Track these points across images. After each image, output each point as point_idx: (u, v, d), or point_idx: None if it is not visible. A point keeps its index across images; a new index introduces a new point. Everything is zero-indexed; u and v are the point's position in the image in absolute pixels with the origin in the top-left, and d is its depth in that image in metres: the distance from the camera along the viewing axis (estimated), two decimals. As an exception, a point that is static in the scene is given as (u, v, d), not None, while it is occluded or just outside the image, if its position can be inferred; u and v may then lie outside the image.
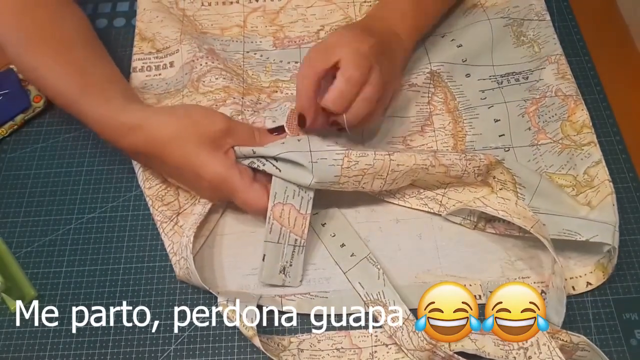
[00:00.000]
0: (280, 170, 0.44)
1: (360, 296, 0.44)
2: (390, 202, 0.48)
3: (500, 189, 0.47)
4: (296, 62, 0.57)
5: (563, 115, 0.51)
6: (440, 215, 0.47)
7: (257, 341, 0.40)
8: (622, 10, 0.60)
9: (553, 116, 0.51)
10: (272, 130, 0.47)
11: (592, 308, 0.44)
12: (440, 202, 0.47)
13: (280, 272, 0.45)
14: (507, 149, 0.51)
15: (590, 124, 0.50)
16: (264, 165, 0.44)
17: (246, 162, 0.45)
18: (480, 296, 0.45)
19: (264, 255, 0.44)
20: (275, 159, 0.44)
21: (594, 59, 0.57)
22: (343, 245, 0.47)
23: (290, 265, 0.45)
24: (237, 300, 0.42)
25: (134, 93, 0.50)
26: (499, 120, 0.52)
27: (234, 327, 0.44)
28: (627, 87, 0.55)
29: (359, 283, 0.45)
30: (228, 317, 0.42)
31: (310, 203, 0.44)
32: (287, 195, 0.44)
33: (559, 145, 0.50)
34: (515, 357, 0.40)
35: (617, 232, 0.43)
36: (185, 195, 0.49)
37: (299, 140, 0.44)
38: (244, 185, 0.44)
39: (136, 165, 0.50)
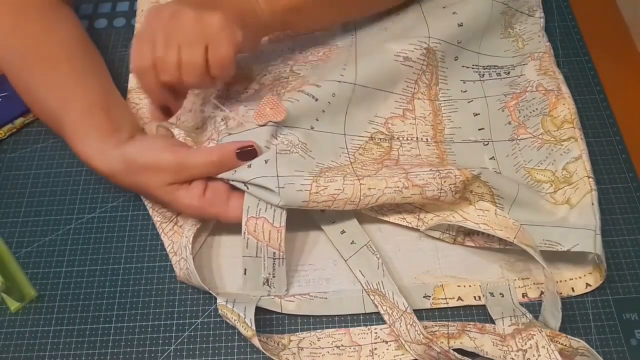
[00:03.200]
0: (248, 189, 0.43)
1: (362, 284, 0.44)
2: (368, 215, 0.47)
3: (477, 201, 0.46)
4: (289, 49, 0.57)
5: (544, 110, 0.51)
6: (419, 230, 0.47)
7: (256, 341, 0.41)
8: (622, 10, 0.60)
9: (534, 111, 0.51)
10: (240, 157, 0.44)
11: (592, 308, 0.44)
12: (418, 216, 0.47)
13: (264, 284, 0.44)
14: (486, 143, 0.51)
15: (573, 118, 0.50)
16: (232, 181, 0.44)
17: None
18: (479, 297, 0.45)
19: (245, 269, 0.44)
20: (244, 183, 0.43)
21: (594, 59, 0.57)
22: (343, 232, 0.46)
23: (274, 276, 0.44)
24: (236, 302, 0.42)
25: (112, 118, 0.46)
26: (479, 114, 0.52)
27: (234, 327, 0.44)
28: (627, 87, 0.55)
29: (360, 271, 0.45)
30: (227, 318, 0.42)
31: (284, 215, 0.43)
32: (260, 209, 0.43)
33: (539, 140, 0.50)
34: (513, 359, 0.40)
35: (599, 235, 0.43)
36: None
37: (265, 162, 0.43)
38: (219, 209, 0.43)
39: None
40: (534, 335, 0.41)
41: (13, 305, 0.46)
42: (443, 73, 0.54)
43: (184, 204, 0.43)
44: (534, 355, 0.40)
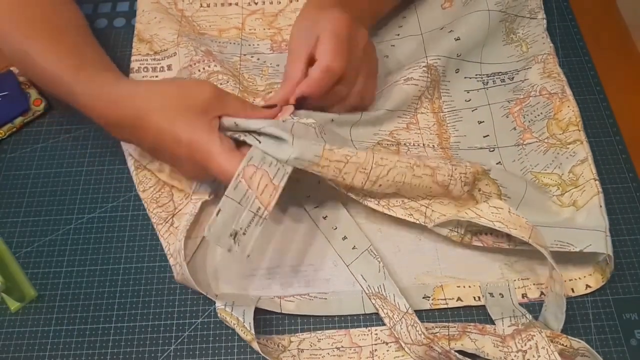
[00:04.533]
0: (260, 142, 0.42)
1: (363, 289, 0.44)
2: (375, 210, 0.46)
3: (490, 199, 0.46)
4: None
5: (549, 113, 0.51)
6: (421, 229, 0.47)
7: (255, 345, 0.41)
8: (622, 11, 0.60)
9: (538, 115, 0.51)
10: (267, 106, 0.46)
11: (592, 308, 0.44)
12: (425, 213, 0.45)
13: (231, 235, 0.40)
14: (492, 149, 0.51)
15: (578, 121, 0.50)
16: (245, 136, 0.42)
17: (228, 133, 0.44)
18: (479, 298, 0.45)
19: (219, 209, 0.39)
20: (258, 132, 0.42)
21: (594, 59, 0.57)
22: (345, 238, 0.46)
23: (244, 233, 0.40)
24: (235, 305, 0.42)
25: (127, 79, 0.49)
26: (483, 121, 0.52)
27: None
28: (627, 87, 0.55)
29: (361, 276, 0.45)
30: (226, 322, 0.42)
31: (286, 177, 0.41)
32: (264, 161, 0.41)
33: (545, 144, 0.50)
34: (513, 359, 0.40)
35: (609, 236, 0.43)
36: (179, 195, 0.49)
37: (283, 122, 0.43)
38: (222, 149, 0.42)
39: (130, 167, 0.50)
40: (534, 336, 0.41)
41: (13, 305, 0.46)
42: (445, 87, 0.54)
43: (199, 126, 0.42)
44: (533, 356, 0.40)
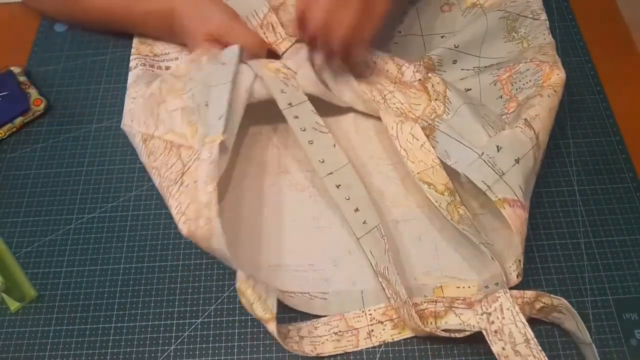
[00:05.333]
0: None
1: (372, 265, 0.44)
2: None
3: (435, 100, 0.48)
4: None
5: (538, 81, 0.50)
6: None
7: (273, 325, 0.39)
8: (622, 10, 0.60)
9: (527, 83, 0.50)
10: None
11: (592, 308, 0.44)
12: (385, 96, 0.49)
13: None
14: None
15: (561, 82, 0.49)
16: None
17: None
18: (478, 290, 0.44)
19: None
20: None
21: (594, 59, 0.57)
22: (357, 210, 0.45)
23: None
24: (254, 281, 0.41)
25: None
26: (470, 89, 0.52)
27: (234, 327, 0.44)
28: (627, 87, 0.55)
29: (370, 252, 0.44)
30: (244, 296, 0.40)
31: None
32: None
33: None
34: (478, 322, 0.40)
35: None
36: (187, 153, 0.46)
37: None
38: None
39: (139, 146, 0.49)
40: (499, 297, 0.40)
41: (13, 305, 0.46)
42: (440, 75, 0.53)
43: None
44: (497, 318, 0.40)
